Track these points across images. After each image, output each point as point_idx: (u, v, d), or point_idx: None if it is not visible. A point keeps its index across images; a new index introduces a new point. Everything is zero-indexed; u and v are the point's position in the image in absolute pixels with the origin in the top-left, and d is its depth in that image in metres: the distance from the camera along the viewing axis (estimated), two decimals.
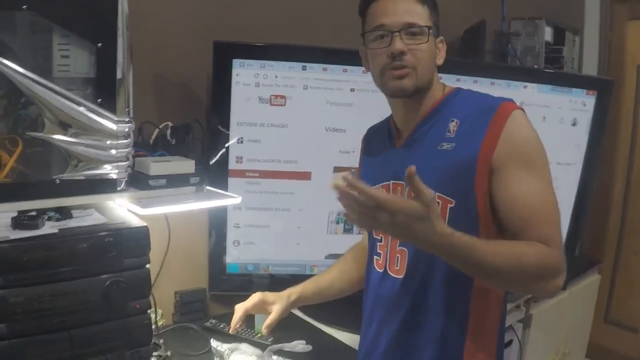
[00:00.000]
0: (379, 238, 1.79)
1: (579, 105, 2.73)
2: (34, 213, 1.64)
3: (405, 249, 1.69)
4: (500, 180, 1.54)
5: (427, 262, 1.65)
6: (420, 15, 1.63)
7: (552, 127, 2.68)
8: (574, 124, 2.71)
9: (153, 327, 2.09)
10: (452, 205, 1.57)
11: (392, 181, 1.72)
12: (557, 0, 3.88)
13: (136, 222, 1.78)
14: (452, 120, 1.64)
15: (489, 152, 1.55)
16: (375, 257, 1.80)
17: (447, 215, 1.58)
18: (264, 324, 1.99)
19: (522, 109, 1.63)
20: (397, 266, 1.71)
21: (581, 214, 2.82)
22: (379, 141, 1.86)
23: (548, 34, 3.44)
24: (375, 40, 1.65)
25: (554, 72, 3.27)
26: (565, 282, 2.95)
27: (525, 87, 2.65)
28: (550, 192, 1.56)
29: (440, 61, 1.71)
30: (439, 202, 1.56)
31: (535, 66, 3.35)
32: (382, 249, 1.76)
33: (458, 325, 1.66)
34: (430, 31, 1.63)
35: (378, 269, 1.78)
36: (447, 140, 1.63)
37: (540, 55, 3.38)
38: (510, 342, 3.01)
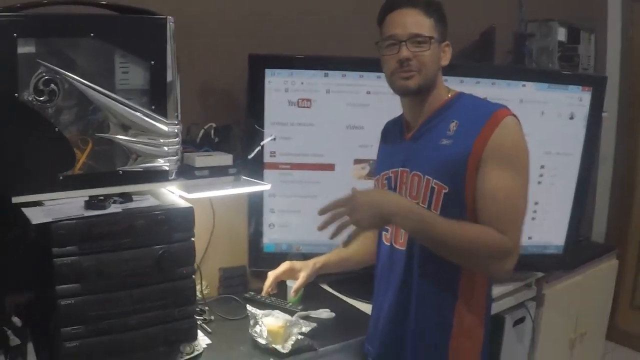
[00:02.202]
0: None
1: (575, 101, 2.79)
2: (102, 197, 1.89)
3: None
4: (480, 173, 1.74)
5: None
6: (425, 27, 1.81)
7: (550, 121, 2.77)
8: (571, 118, 2.77)
9: (199, 296, 2.36)
10: (445, 191, 1.78)
11: (400, 168, 1.92)
12: (575, 1, 3.92)
13: (183, 204, 2.01)
14: (453, 121, 1.82)
15: (479, 151, 1.73)
16: (384, 232, 2.01)
17: (441, 199, 1.79)
18: (293, 287, 2.28)
19: (515, 116, 1.80)
20: (401, 239, 1.91)
21: (581, 200, 2.90)
22: (393, 134, 2.06)
23: (562, 34, 3.51)
24: (387, 48, 1.84)
25: (550, 70, 3.33)
26: (574, 265, 3.12)
27: (524, 85, 2.72)
28: (518, 190, 1.75)
29: (445, 62, 1.89)
30: (434, 188, 1.79)
31: (534, 65, 3.44)
32: (390, 226, 1.95)
33: (450, 290, 1.85)
34: (433, 40, 1.80)
35: (386, 243, 1.99)
36: (446, 137, 1.81)
37: (553, 54, 3.46)
38: (522, 319, 3.08)
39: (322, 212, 1.81)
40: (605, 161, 4.51)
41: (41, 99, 1.79)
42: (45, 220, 1.74)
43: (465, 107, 1.87)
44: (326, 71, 2.57)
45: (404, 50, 1.80)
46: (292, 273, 2.31)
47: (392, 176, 1.96)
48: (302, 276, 2.27)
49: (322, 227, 1.81)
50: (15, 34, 1.74)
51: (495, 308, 2.84)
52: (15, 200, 1.80)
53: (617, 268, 3.97)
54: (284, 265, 2.31)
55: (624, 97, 4.43)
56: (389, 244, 1.98)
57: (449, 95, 1.91)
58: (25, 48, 1.76)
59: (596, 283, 3.71)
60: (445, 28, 1.87)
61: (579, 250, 3.53)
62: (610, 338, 4.14)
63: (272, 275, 2.29)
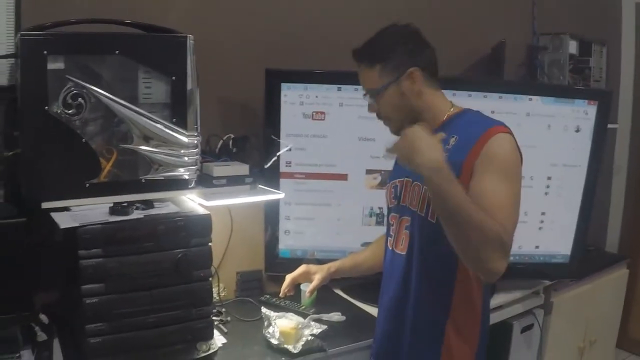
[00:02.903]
0: (392, 223, 2.05)
1: (581, 114, 2.84)
2: (125, 204, 1.96)
3: (408, 232, 1.95)
4: (473, 180, 1.76)
5: (422, 243, 1.90)
6: (370, 80, 1.89)
7: (557, 134, 2.82)
8: (577, 131, 2.82)
9: (217, 298, 2.46)
10: None
11: (405, 178, 1.99)
12: (588, 14, 3.97)
13: (202, 211, 2.10)
14: (453, 137, 1.84)
15: (470, 163, 1.76)
16: (388, 238, 2.08)
17: None
18: (307, 289, 2.38)
19: (510, 133, 1.82)
20: (401, 245, 1.98)
21: (587, 210, 2.94)
22: None
23: (573, 47, 3.56)
24: None
25: (556, 85, 3.40)
26: (581, 275, 3.16)
27: (531, 99, 2.77)
28: (510, 194, 1.73)
29: (418, 88, 1.87)
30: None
31: (546, 78, 3.49)
32: (393, 232, 2.03)
33: (445, 293, 1.89)
34: (383, 88, 1.86)
35: (389, 248, 2.06)
36: (445, 150, 1.74)
37: (565, 67, 3.51)
38: (530, 326, 3.11)
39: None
40: (619, 171, 4.54)
41: (69, 111, 1.90)
42: (72, 225, 1.83)
43: (466, 123, 1.89)
44: (339, 85, 2.65)
45: (369, 106, 1.93)
46: (308, 275, 2.40)
47: (398, 185, 2.04)
48: (316, 278, 2.37)
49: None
50: (45, 51, 1.85)
51: (503, 315, 2.92)
52: (45, 205, 1.90)
53: (628, 277, 3.97)
54: (301, 268, 2.40)
55: (638, 108, 4.46)
56: (391, 249, 2.05)
57: (452, 110, 1.93)
58: (54, 64, 1.87)
59: (606, 292, 3.73)
60: (400, 58, 1.87)
61: (588, 260, 3.60)
62: (621, 346, 4.17)
63: (289, 277, 2.39)
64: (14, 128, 2.03)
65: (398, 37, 1.91)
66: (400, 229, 2.01)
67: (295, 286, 2.46)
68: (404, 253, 1.98)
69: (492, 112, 2.48)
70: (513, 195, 1.75)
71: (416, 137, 1.67)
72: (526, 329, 3.11)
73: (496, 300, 2.82)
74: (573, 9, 3.84)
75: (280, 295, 2.41)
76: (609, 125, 3.08)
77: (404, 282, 1.98)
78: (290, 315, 2.36)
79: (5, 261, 1.91)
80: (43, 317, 2.12)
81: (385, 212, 2.36)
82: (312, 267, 2.40)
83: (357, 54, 1.94)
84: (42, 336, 2.05)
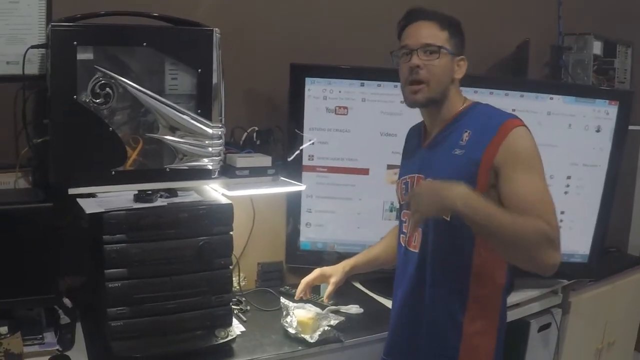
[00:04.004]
0: (405, 220, 2.04)
1: (602, 114, 2.83)
2: (150, 192, 2.01)
3: (421, 229, 1.93)
4: (501, 179, 1.77)
5: (436, 241, 1.90)
6: (438, 37, 1.87)
7: (577, 133, 2.81)
8: (597, 131, 2.81)
9: (237, 288, 2.51)
10: None
11: (416, 174, 1.99)
12: (614, 15, 3.91)
13: (224, 200, 2.14)
14: (466, 131, 1.86)
15: (489, 159, 1.78)
16: (401, 235, 2.08)
17: None
18: (325, 294, 2.39)
19: (525, 126, 1.83)
20: (415, 242, 1.98)
21: (606, 210, 2.93)
22: (414, 140, 2.13)
23: (597, 47, 3.52)
24: (401, 57, 1.92)
25: (577, 84, 3.38)
26: (600, 275, 3.14)
27: (552, 98, 2.76)
28: (543, 187, 1.76)
29: (458, 76, 1.92)
30: None
31: (570, 78, 3.46)
32: (406, 229, 2.02)
33: (458, 292, 1.90)
34: (444, 50, 1.85)
35: (402, 245, 2.06)
36: (459, 147, 1.86)
37: (589, 67, 3.48)
38: (548, 325, 3.09)
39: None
40: None
41: (97, 101, 1.96)
42: (98, 211, 1.88)
43: (478, 116, 1.91)
44: (362, 81, 2.68)
45: (415, 58, 1.86)
46: (323, 278, 2.39)
47: (409, 181, 2.04)
48: (332, 282, 2.36)
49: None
50: (75, 42, 1.91)
51: (520, 313, 2.91)
52: (72, 191, 1.96)
53: None
54: (315, 272, 2.39)
55: None
56: (404, 246, 2.05)
57: (464, 105, 1.95)
58: (84, 55, 1.93)
59: (627, 294, 3.69)
60: (460, 43, 1.92)
61: (609, 261, 3.60)
62: None
63: (304, 281, 2.39)
64: (44, 116, 2.09)
65: (461, 26, 1.95)
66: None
67: (313, 287, 2.47)
68: (416, 251, 1.98)
69: (513, 110, 2.49)
70: (544, 186, 1.78)
71: (430, 185, 1.76)
72: (543, 327, 3.11)
73: (513, 298, 2.81)
74: (598, 10, 3.80)
75: (295, 298, 2.42)
76: (634, 127, 3.06)
77: (418, 280, 1.98)
78: (308, 306, 2.39)
79: (32, 244, 1.98)
80: (67, 301, 2.18)
81: None
82: (327, 270, 2.39)
83: (427, 11, 1.93)
84: (65, 319, 2.11)
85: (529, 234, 1.64)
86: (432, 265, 1.93)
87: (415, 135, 2.13)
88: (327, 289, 2.37)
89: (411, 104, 1.95)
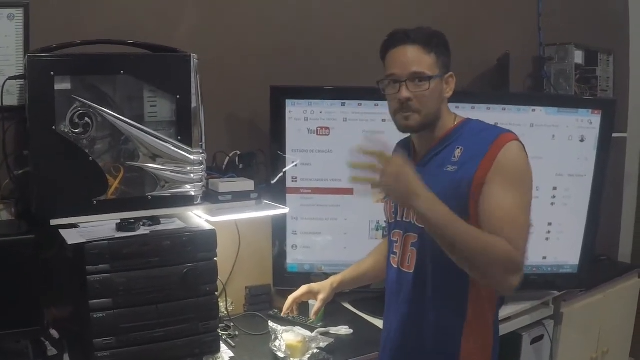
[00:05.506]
0: (395, 240, 1.98)
1: (585, 124, 2.83)
2: (132, 220, 2.00)
3: (415, 249, 1.89)
4: (484, 191, 1.73)
5: (432, 260, 1.85)
6: (425, 64, 1.79)
7: (561, 144, 2.81)
8: (582, 140, 2.84)
9: (224, 313, 2.49)
10: None
11: None
12: (594, 24, 3.96)
13: (207, 226, 2.12)
14: (458, 147, 1.83)
15: (483, 175, 1.74)
16: (392, 255, 2.01)
17: None
18: (312, 311, 2.32)
19: (519, 141, 1.80)
20: (408, 262, 1.92)
21: (594, 219, 2.94)
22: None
23: (579, 57, 3.56)
24: (388, 86, 1.84)
25: (559, 95, 3.41)
26: (591, 284, 3.14)
27: (534, 110, 2.77)
28: (522, 207, 1.73)
29: (448, 94, 1.87)
30: None
31: (552, 88, 3.49)
32: (397, 249, 1.97)
33: (457, 313, 1.86)
34: (433, 78, 1.78)
35: (394, 265, 1.99)
36: (451, 163, 1.82)
37: (571, 77, 3.52)
38: (540, 337, 3.11)
39: (358, 150, 1.73)
40: (630, 180, 4.50)
41: (76, 130, 1.95)
42: (80, 241, 1.87)
43: (470, 133, 1.87)
44: (343, 101, 2.68)
45: (404, 91, 1.80)
46: (311, 295, 2.34)
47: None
48: (320, 299, 2.30)
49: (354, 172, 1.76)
50: (52, 73, 1.91)
51: (512, 326, 2.92)
52: (54, 222, 1.94)
53: None
54: (303, 289, 2.34)
55: None
56: (396, 267, 1.99)
57: (455, 122, 1.91)
58: (61, 85, 1.93)
59: (619, 302, 3.70)
60: (448, 59, 1.86)
61: (599, 270, 3.61)
62: (635, 356, 4.11)
63: (291, 297, 2.33)
64: (24, 147, 2.08)
65: (446, 40, 1.89)
66: (405, 246, 1.95)
67: (301, 302, 2.42)
68: (411, 271, 1.93)
69: (496, 123, 2.41)
70: (523, 206, 1.75)
71: (407, 176, 1.66)
72: (536, 340, 3.11)
73: (505, 311, 2.81)
74: (578, 20, 3.84)
75: (282, 314, 2.38)
76: (619, 135, 3.08)
77: (415, 300, 1.93)
78: (297, 329, 2.37)
79: (16, 276, 1.96)
80: (53, 332, 2.16)
81: None
82: (314, 286, 2.33)
83: (413, 34, 1.83)
84: (52, 351, 2.09)
85: (490, 252, 1.63)
86: (432, 284, 1.89)
87: (403, 152, 2.00)
88: (315, 306, 2.32)
89: (403, 130, 1.91)
